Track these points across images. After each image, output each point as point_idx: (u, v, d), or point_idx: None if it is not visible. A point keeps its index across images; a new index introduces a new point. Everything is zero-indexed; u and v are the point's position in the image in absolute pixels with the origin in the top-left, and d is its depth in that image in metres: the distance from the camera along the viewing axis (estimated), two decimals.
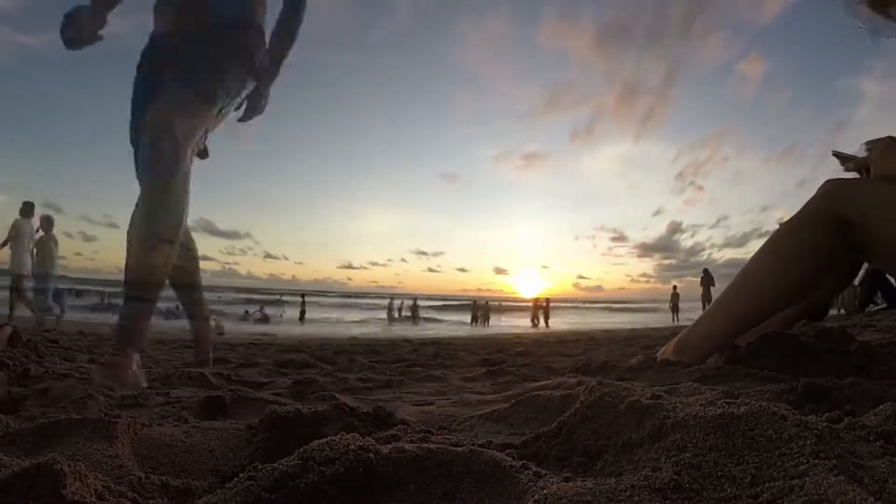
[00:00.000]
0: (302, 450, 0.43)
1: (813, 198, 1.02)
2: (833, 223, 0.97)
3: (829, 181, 1.02)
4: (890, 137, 1.01)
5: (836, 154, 1.13)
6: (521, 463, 0.44)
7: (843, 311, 6.41)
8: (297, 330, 10.23)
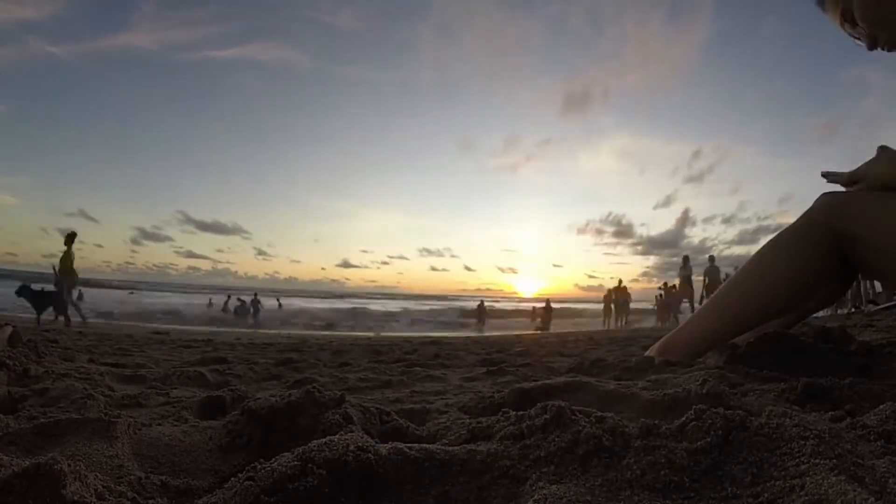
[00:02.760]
0: (301, 450, 0.43)
1: (810, 209, 1.03)
2: (829, 236, 0.97)
3: (826, 194, 1.02)
4: (881, 147, 1.01)
5: (826, 175, 1.10)
6: (519, 462, 0.44)
7: (843, 310, 6.43)
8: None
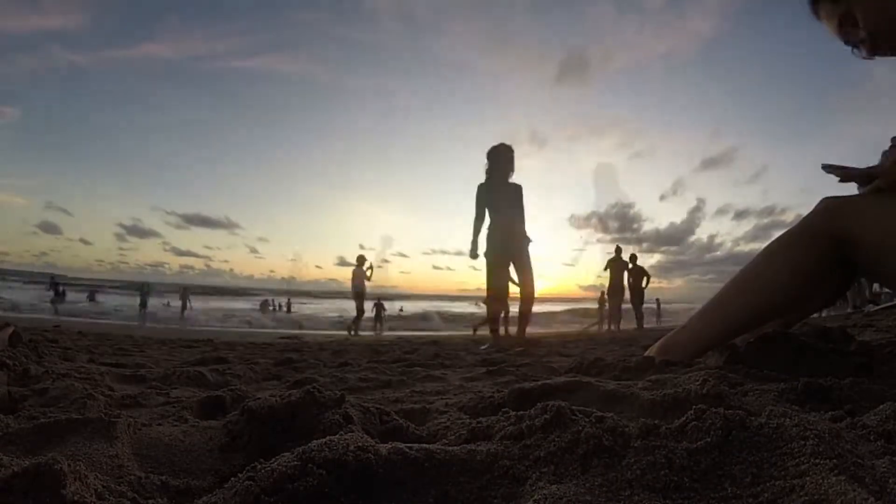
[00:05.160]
0: (301, 450, 0.43)
1: (810, 213, 1.03)
2: (827, 240, 0.98)
3: (826, 198, 1.02)
4: None
5: (826, 167, 1.07)
6: (519, 462, 0.44)
7: (850, 308, 6.44)
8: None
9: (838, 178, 1.06)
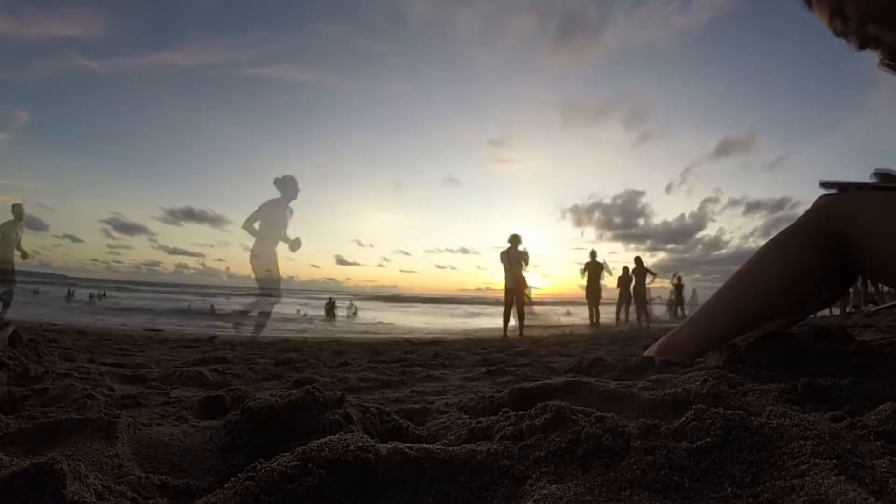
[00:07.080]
0: (301, 450, 0.43)
1: (807, 211, 1.02)
2: (825, 239, 0.97)
3: (823, 196, 1.02)
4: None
5: (824, 184, 1.07)
6: (519, 462, 0.44)
7: (851, 307, 6.43)
8: None
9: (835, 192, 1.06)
